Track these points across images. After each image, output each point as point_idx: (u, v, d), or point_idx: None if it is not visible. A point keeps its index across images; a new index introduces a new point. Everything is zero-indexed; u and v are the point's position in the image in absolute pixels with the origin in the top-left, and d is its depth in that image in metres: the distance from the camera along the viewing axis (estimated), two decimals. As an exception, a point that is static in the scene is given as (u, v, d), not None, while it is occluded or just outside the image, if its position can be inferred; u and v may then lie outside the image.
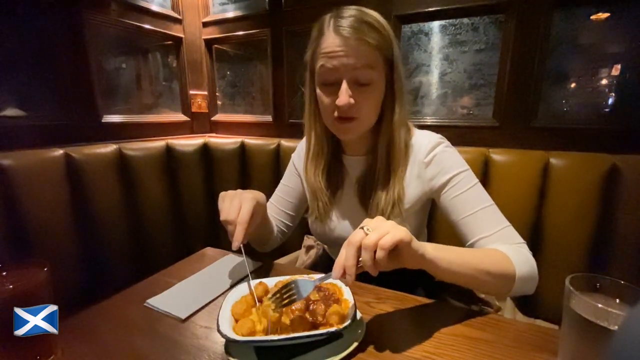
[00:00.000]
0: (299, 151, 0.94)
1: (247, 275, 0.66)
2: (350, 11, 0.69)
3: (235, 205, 0.66)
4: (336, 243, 0.89)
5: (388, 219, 0.75)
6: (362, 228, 0.50)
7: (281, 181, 0.98)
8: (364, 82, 0.69)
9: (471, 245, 0.69)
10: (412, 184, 0.77)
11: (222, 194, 0.70)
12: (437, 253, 0.54)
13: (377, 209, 0.76)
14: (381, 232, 0.48)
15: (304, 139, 0.89)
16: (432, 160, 0.75)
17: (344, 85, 0.68)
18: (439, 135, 0.79)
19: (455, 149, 0.78)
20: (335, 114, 0.71)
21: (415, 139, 0.78)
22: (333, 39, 0.67)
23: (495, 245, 0.65)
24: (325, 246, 1.05)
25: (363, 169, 0.81)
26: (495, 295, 0.75)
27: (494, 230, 0.67)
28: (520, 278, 0.61)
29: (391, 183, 0.75)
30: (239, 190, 0.71)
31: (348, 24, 0.66)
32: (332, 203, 0.84)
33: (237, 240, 0.63)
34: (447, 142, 0.78)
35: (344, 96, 0.68)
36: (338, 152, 0.85)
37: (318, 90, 0.74)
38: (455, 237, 0.73)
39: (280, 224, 0.95)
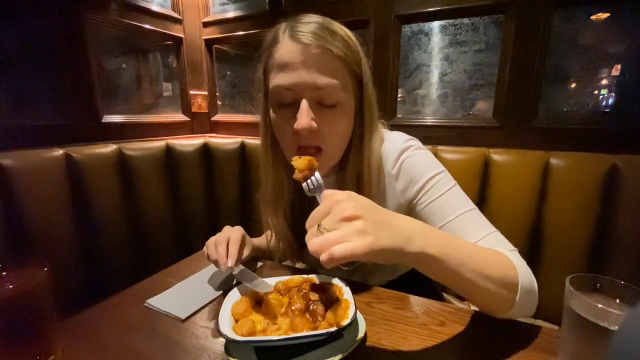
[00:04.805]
0: None
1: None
2: (311, 17, 0.59)
3: (223, 235, 0.67)
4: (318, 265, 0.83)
5: None
6: (319, 226, 0.41)
7: None
8: (329, 102, 0.58)
9: None
10: (386, 202, 0.68)
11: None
12: (430, 248, 0.43)
13: None
14: (333, 238, 0.38)
15: None
16: (400, 171, 0.66)
17: (304, 104, 0.56)
18: (405, 138, 0.69)
19: (427, 149, 0.70)
20: (295, 144, 0.59)
21: (384, 149, 0.69)
22: (289, 46, 0.56)
23: None
24: None
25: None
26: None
27: (479, 237, 0.58)
28: (523, 289, 0.50)
29: None
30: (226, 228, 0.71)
31: (308, 30, 0.56)
32: (301, 244, 0.73)
33: (232, 257, 0.61)
34: (415, 145, 0.69)
35: (304, 118, 0.55)
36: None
37: (272, 114, 0.61)
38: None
39: None
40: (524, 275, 0.52)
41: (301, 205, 0.73)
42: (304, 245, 0.74)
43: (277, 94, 0.59)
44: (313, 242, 0.38)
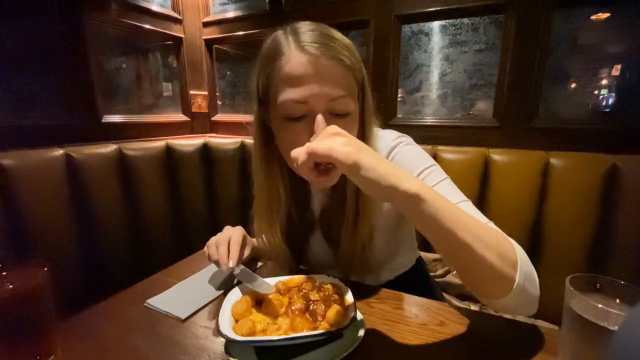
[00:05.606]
0: None
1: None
2: (310, 25, 0.58)
3: (224, 235, 0.67)
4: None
5: (360, 259, 0.67)
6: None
7: None
8: (342, 112, 0.57)
9: None
10: (381, 203, 0.68)
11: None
12: (425, 194, 0.42)
13: (346, 249, 0.68)
14: (317, 141, 0.43)
15: None
16: None
17: (320, 118, 0.54)
18: (394, 136, 0.69)
19: (417, 144, 0.69)
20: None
21: (376, 148, 0.67)
22: (299, 58, 0.54)
23: None
24: None
25: (327, 206, 0.71)
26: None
27: None
28: (522, 270, 0.46)
29: (360, 224, 0.65)
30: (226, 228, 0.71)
31: (313, 39, 0.55)
32: (298, 259, 0.75)
33: (233, 258, 0.62)
34: (404, 141, 0.68)
35: None
36: (300, 195, 0.71)
37: (279, 128, 0.60)
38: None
39: None
40: (523, 258, 0.48)
41: (300, 218, 0.72)
42: (300, 259, 0.75)
43: (287, 109, 0.56)
44: (295, 150, 0.43)
